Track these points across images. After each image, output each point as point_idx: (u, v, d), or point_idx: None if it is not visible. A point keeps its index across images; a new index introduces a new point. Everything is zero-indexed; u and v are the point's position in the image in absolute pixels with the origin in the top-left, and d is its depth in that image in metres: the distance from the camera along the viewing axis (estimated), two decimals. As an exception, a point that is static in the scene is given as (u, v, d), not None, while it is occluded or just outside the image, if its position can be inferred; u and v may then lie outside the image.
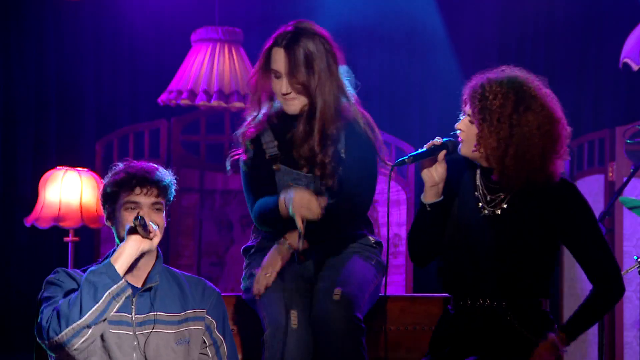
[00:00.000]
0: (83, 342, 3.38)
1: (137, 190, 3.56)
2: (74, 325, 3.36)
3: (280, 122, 4.02)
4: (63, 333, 3.36)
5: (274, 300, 3.80)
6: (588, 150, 6.84)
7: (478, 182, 3.71)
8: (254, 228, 4.14)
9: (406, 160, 3.65)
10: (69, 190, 6.08)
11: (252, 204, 4.02)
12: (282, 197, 3.85)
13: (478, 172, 3.71)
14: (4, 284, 7.13)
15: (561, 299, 6.83)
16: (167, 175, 3.65)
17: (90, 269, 3.46)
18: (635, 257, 5.05)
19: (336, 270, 3.88)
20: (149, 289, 3.60)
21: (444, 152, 3.66)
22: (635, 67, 5.89)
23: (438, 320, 3.79)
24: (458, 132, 3.66)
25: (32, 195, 6.78)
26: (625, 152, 6.44)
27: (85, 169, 6.24)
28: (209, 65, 6.53)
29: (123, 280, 3.43)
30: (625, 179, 5.14)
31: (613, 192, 6.10)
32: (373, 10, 7.50)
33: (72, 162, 6.53)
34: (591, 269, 3.66)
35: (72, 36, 7.36)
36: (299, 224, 3.78)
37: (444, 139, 3.68)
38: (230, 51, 6.61)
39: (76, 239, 6.20)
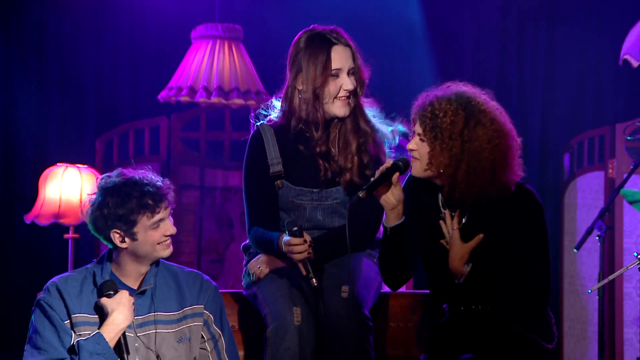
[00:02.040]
0: None
1: (158, 208, 3.53)
2: None
3: (285, 136, 4.02)
4: None
5: (278, 297, 3.80)
6: (588, 147, 6.83)
7: (440, 200, 3.71)
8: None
9: (360, 195, 3.59)
10: (69, 187, 6.08)
11: (250, 221, 4.03)
12: (280, 239, 3.86)
13: (438, 191, 3.70)
14: (4, 280, 7.13)
15: (561, 295, 6.83)
16: (162, 181, 3.60)
17: (85, 346, 3.42)
18: (635, 254, 5.05)
19: (342, 268, 3.88)
20: (144, 292, 3.60)
21: (397, 174, 3.62)
22: (635, 64, 5.88)
23: (434, 320, 3.79)
24: (410, 152, 3.64)
25: (32, 192, 6.78)
26: (625, 149, 6.44)
27: (85, 166, 6.24)
28: (209, 62, 6.53)
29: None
30: (625, 175, 5.14)
31: (613, 189, 6.10)
32: (372, 5, 7.49)
33: (73, 159, 6.53)
34: (522, 272, 3.61)
35: (73, 33, 7.35)
36: (302, 270, 3.79)
37: (394, 160, 3.65)
38: (230, 48, 6.60)
39: (76, 235, 6.20)
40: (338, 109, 3.95)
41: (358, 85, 3.97)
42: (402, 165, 3.63)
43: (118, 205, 3.49)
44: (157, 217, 3.53)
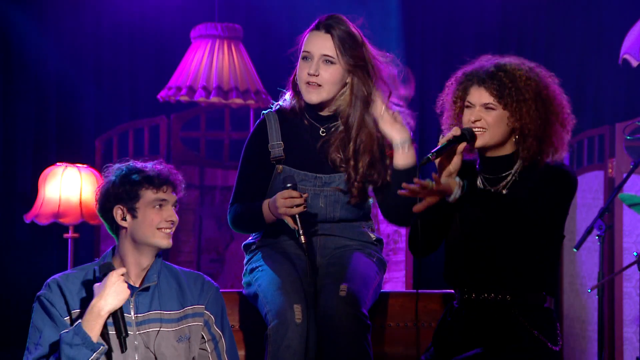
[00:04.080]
0: None
1: (165, 188, 3.53)
2: None
3: (289, 122, 4.02)
4: None
5: (278, 295, 3.80)
6: (588, 146, 6.84)
7: (479, 178, 3.71)
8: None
9: (430, 157, 3.53)
10: (68, 187, 6.08)
11: (233, 200, 4.05)
12: (264, 203, 3.88)
13: (478, 166, 3.70)
14: (4, 280, 7.14)
15: (561, 294, 6.83)
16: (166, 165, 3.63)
17: (64, 338, 3.39)
18: (635, 253, 5.05)
19: (340, 267, 3.88)
20: (147, 288, 3.59)
21: (464, 144, 3.58)
22: (634, 63, 5.89)
23: (442, 314, 3.79)
24: (474, 123, 3.61)
25: (32, 192, 6.79)
26: (625, 149, 6.44)
27: (85, 166, 6.24)
28: (208, 62, 6.54)
29: (103, 346, 3.41)
30: (625, 175, 5.14)
31: (613, 189, 6.10)
32: (375, 4, 7.49)
33: (72, 158, 6.54)
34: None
35: (72, 32, 7.36)
36: (291, 224, 3.80)
37: (462, 129, 3.60)
38: (229, 48, 6.61)
39: (76, 235, 6.20)
40: (304, 93, 3.94)
41: (357, 78, 3.93)
42: (469, 136, 3.59)
43: (124, 181, 3.52)
44: (160, 195, 3.52)
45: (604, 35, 7.46)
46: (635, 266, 5.11)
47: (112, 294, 3.43)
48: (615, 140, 6.46)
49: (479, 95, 3.62)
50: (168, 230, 3.55)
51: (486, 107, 3.61)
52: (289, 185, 3.80)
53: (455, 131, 3.58)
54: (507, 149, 3.67)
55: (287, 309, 3.74)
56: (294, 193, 3.77)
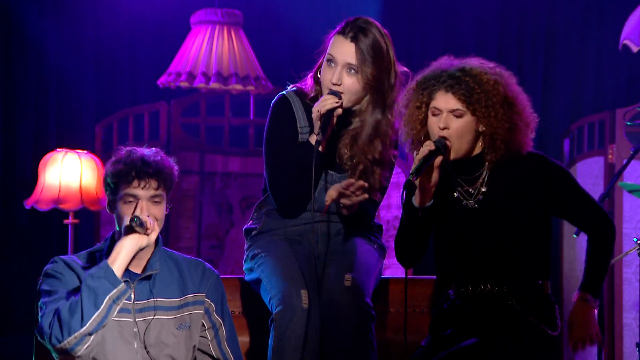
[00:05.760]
0: (86, 348, 3.38)
1: (135, 183, 3.49)
2: (76, 334, 3.35)
3: (310, 107, 3.96)
4: (66, 341, 3.35)
5: (283, 280, 3.79)
6: (588, 132, 6.84)
7: (454, 179, 3.70)
8: (255, 209, 4.12)
9: (411, 179, 3.53)
10: (68, 173, 6.08)
11: (271, 180, 3.99)
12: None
13: (451, 169, 3.69)
14: (4, 266, 7.14)
15: (561, 280, 6.84)
16: (167, 164, 3.57)
17: (88, 272, 3.41)
18: (635, 239, 5.05)
19: (344, 255, 3.88)
20: (149, 276, 3.59)
21: (440, 158, 3.55)
22: (634, 49, 5.88)
23: (439, 303, 3.79)
24: (442, 132, 3.57)
25: (32, 178, 6.78)
26: (625, 134, 6.44)
27: (85, 152, 6.24)
28: (208, 48, 6.53)
29: (122, 283, 3.41)
30: (625, 161, 5.14)
31: (613, 174, 6.10)
32: (376, 3, 7.49)
33: (72, 144, 6.53)
34: (582, 223, 3.69)
35: (72, 18, 7.34)
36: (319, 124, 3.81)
37: (435, 142, 3.56)
38: (229, 33, 6.59)
39: (76, 221, 6.20)
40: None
41: (368, 88, 3.89)
42: (442, 148, 3.56)
43: (109, 173, 3.54)
44: (131, 190, 3.49)
45: (605, 21, 7.44)
46: (635, 252, 5.11)
47: (134, 235, 3.45)
48: (615, 126, 6.46)
49: (446, 101, 3.58)
50: (137, 228, 3.50)
51: (454, 113, 3.57)
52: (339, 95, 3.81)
53: (430, 145, 3.54)
54: (476, 150, 3.65)
55: (293, 295, 3.74)
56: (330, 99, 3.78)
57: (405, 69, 3.97)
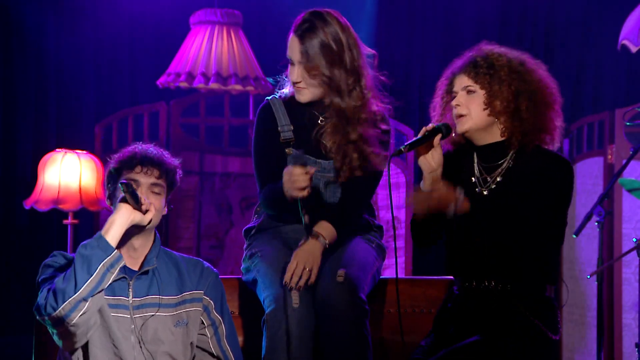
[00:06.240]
0: (81, 315, 3.38)
1: (138, 168, 3.56)
2: (70, 299, 3.35)
3: (294, 107, 4.05)
4: (60, 308, 3.35)
5: (275, 280, 3.81)
6: (587, 132, 6.84)
7: (475, 165, 3.72)
8: (256, 209, 4.15)
9: (403, 149, 3.61)
10: (68, 173, 6.08)
11: (261, 187, 4.04)
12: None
13: (475, 155, 3.72)
14: (4, 266, 7.14)
15: (560, 281, 6.83)
16: (171, 161, 3.65)
17: (82, 243, 3.44)
18: (634, 240, 5.05)
19: (339, 252, 3.89)
20: (146, 272, 3.60)
21: (439, 136, 3.65)
22: (633, 49, 5.88)
23: (443, 300, 3.80)
24: (456, 109, 3.67)
25: (31, 178, 6.78)
26: (624, 135, 6.44)
27: (84, 152, 6.24)
28: (207, 48, 6.53)
29: (116, 251, 3.42)
30: (624, 161, 5.14)
31: (612, 175, 6.11)
32: (375, 3, 7.49)
33: (72, 144, 6.53)
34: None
35: (72, 19, 7.34)
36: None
37: (437, 124, 3.68)
38: (229, 34, 6.60)
39: (75, 221, 6.20)
40: (295, 93, 4.02)
41: (322, 81, 3.95)
42: (444, 129, 3.67)
43: (114, 161, 3.61)
44: (132, 175, 3.55)
45: (604, 21, 7.45)
46: (634, 252, 5.11)
47: (127, 207, 3.46)
48: (615, 126, 6.46)
49: (460, 81, 3.71)
50: (128, 196, 3.51)
51: (467, 91, 3.68)
52: (292, 154, 3.84)
53: (429, 126, 3.66)
54: (497, 136, 3.68)
55: (284, 294, 3.75)
56: (297, 170, 3.77)
57: (371, 50, 4.05)
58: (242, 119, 7.14)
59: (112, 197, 3.62)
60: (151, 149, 3.64)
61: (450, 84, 3.74)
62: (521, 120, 3.63)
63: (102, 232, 3.44)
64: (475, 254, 3.65)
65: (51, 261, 3.58)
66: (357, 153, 3.96)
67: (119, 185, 3.45)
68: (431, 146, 3.65)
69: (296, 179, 3.75)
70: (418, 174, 3.92)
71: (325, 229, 3.87)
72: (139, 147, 3.63)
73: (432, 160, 3.66)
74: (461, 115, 3.67)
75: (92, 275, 3.37)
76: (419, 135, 3.65)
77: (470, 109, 3.66)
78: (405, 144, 3.63)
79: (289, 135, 4.02)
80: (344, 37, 3.97)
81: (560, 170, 3.63)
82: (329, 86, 3.96)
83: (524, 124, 3.63)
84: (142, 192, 3.54)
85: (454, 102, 3.69)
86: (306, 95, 4.00)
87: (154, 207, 3.54)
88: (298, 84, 3.98)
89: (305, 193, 3.76)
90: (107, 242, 3.41)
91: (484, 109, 3.66)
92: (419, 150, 3.66)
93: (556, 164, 3.64)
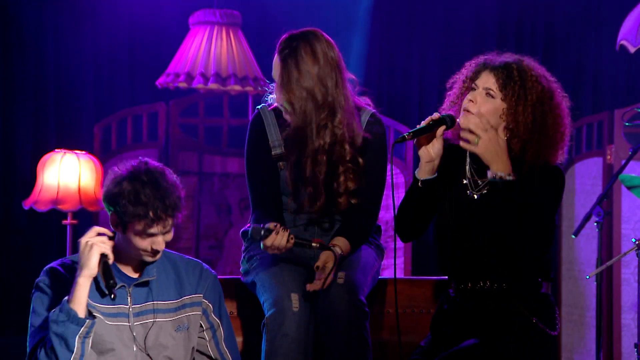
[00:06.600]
0: None
1: (155, 228, 3.45)
2: None
3: (285, 120, 4.03)
4: None
5: (275, 284, 3.81)
6: (587, 133, 6.84)
7: (467, 167, 3.71)
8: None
9: (406, 136, 3.58)
10: (67, 173, 6.08)
11: (253, 205, 4.03)
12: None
13: (467, 155, 3.70)
14: (3, 266, 7.14)
15: (559, 281, 6.84)
16: (177, 192, 3.50)
17: (51, 318, 3.38)
18: (633, 240, 5.05)
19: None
20: (146, 282, 3.58)
21: (442, 127, 3.62)
22: (632, 49, 5.88)
23: (439, 302, 3.79)
24: (468, 104, 3.61)
25: (30, 178, 6.78)
26: (623, 135, 6.44)
27: (83, 152, 6.24)
28: (207, 48, 6.52)
29: (87, 320, 3.38)
30: (623, 161, 5.14)
31: (611, 175, 6.10)
32: (375, 3, 7.49)
33: (71, 145, 6.53)
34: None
35: (71, 19, 7.34)
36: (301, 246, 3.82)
37: (442, 114, 3.65)
38: (228, 34, 6.59)
39: (74, 221, 6.20)
40: (284, 113, 4.03)
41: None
42: (449, 121, 3.63)
43: (129, 200, 3.43)
44: (150, 230, 3.44)
45: (603, 21, 7.45)
46: (633, 253, 5.11)
47: (84, 259, 3.41)
48: (614, 126, 6.46)
49: (486, 80, 3.63)
50: (150, 259, 3.51)
51: (487, 92, 3.61)
52: (262, 233, 3.74)
53: (434, 116, 3.62)
54: None
55: (284, 298, 3.75)
56: (269, 241, 3.72)
57: (350, 75, 4.07)
58: (241, 120, 7.14)
59: (118, 227, 3.50)
60: (161, 187, 3.45)
61: (477, 75, 3.66)
62: (524, 151, 3.60)
63: (70, 303, 3.38)
64: (468, 255, 3.64)
65: (42, 283, 3.53)
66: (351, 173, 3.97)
67: (108, 286, 3.42)
68: (433, 137, 3.63)
69: (271, 251, 3.75)
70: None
71: (343, 244, 3.87)
72: (147, 188, 3.44)
73: (432, 151, 3.64)
74: (470, 112, 3.63)
75: (73, 352, 3.37)
76: (424, 124, 3.62)
77: (482, 110, 3.61)
78: (410, 131, 3.61)
79: (280, 151, 4.00)
80: (322, 58, 3.98)
81: (551, 174, 3.62)
82: (310, 101, 3.96)
83: (526, 154, 3.60)
84: (159, 241, 3.47)
85: (469, 96, 3.63)
86: (289, 112, 4.00)
87: (167, 241, 3.51)
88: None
89: (290, 245, 3.75)
90: (76, 315, 3.37)
91: (495, 120, 3.59)
92: (420, 140, 3.64)
93: (546, 167, 3.63)
